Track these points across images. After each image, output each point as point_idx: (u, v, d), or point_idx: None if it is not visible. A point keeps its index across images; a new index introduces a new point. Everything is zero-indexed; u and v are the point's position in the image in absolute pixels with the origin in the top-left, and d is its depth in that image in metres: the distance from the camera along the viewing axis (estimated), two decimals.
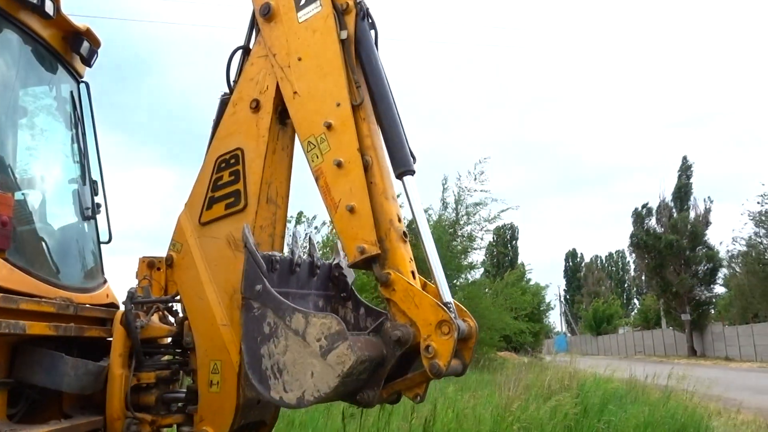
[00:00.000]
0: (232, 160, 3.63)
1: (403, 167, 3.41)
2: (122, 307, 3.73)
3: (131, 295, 3.69)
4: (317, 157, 3.42)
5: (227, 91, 3.86)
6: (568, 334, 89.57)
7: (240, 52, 3.85)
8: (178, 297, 3.76)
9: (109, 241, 4.63)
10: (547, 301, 51.02)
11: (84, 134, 4.56)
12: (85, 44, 4.32)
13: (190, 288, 3.62)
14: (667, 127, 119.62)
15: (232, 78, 3.84)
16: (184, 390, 3.79)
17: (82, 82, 4.58)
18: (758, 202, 47.84)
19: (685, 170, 55.45)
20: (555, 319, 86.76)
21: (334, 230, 22.11)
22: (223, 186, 3.63)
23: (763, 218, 47.29)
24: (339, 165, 3.35)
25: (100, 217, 4.61)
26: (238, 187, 3.59)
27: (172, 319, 3.91)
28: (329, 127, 3.40)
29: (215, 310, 3.52)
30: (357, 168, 3.35)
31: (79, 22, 4.32)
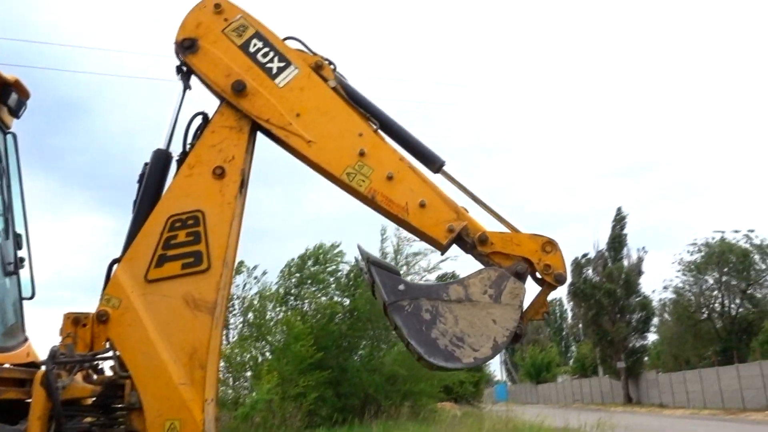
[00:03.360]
0: (190, 221, 3.76)
1: (439, 162, 4.01)
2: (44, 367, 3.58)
3: (53, 354, 3.56)
4: (363, 181, 3.85)
5: (162, 147, 4.03)
6: (509, 383, 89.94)
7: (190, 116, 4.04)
8: (107, 354, 3.66)
9: (32, 296, 4.48)
10: None
11: (9, 186, 4.45)
12: (14, 95, 4.25)
13: (135, 346, 3.59)
14: (600, 177, 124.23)
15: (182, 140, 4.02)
16: None
17: (9, 133, 4.48)
18: (689, 252, 49.87)
19: (620, 221, 57.27)
20: (495, 367, 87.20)
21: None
22: (179, 245, 3.73)
23: (693, 267, 49.18)
24: (390, 177, 3.83)
25: (24, 272, 4.46)
26: (199, 248, 3.72)
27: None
28: (362, 153, 3.86)
29: (171, 370, 3.53)
30: (408, 172, 3.88)
31: (9, 72, 4.25)
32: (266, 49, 4.01)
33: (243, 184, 3.95)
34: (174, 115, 4.10)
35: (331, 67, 4.11)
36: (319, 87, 4.01)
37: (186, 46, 3.97)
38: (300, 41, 4.14)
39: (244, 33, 4.01)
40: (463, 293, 3.57)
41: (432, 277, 26.16)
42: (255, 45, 4.00)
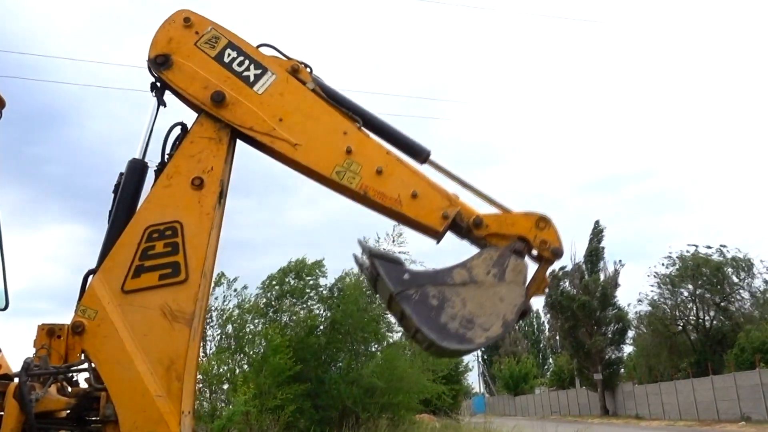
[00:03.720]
0: (168, 232, 3.73)
1: (424, 152, 4.11)
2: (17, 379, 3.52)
3: (27, 366, 3.51)
4: (354, 178, 3.87)
5: (137, 158, 3.99)
6: (487, 395, 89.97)
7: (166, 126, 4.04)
8: (82, 366, 3.62)
9: (6, 308, 4.43)
10: (465, 362, 51.29)
11: None
12: None
13: (111, 357, 3.55)
14: (578, 190, 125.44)
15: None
16: None
17: None
18: (663, 264, 50.45)
19: (597, 234, 57.74)
20: (473, 379, 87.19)
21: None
22: (157, 256, 3.70)
23: (668, 280, 49.74)
24: (380, 171, 3.86)
25: None
26: (176, 259, 3.69)
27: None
28: (349, 151, 3.89)
29: (147, 382, 3.49)
30: (396, 165, 3.92)
31: None
32: (241, 58, 4.02)
33: (222, 195, 3.94)
34: (147, 131, 4.09)
35: (308, 69, 4.15)
36: (298, 90, 4.04)
37: (160, 63, 3.97)
38: (273, 47, 4.17)
39: (216, 44, 4.02)
40: (468, 276, 3.60)
41: None
42: (229, 55, 4.02)
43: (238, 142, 4.07)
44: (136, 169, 3.99)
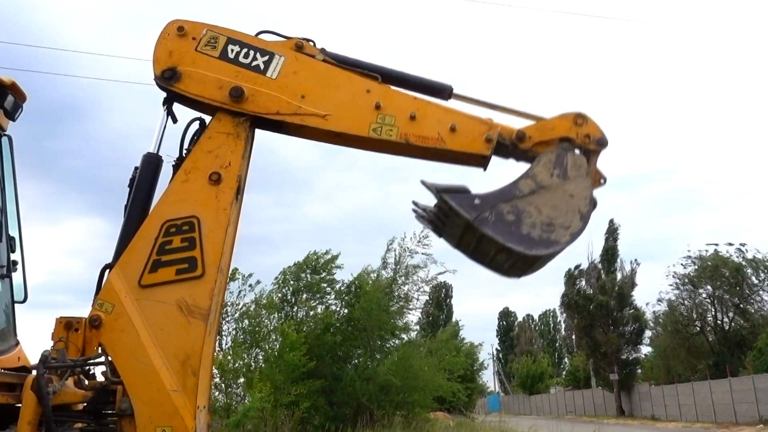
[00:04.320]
0: (185, 227, 3.75)
1: (448, 89, 4.18)
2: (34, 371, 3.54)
3: (44, 359, 3.53)
4: (392, 130, 3.91)
5: (152, 152, 4.02)
6: (502, 394, 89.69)
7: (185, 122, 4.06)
8: (99, 359, 3.64)
9: (25, 300, 4.45)
10: (480, 360, 51.14)
11: (3, 189, 4.42)
12: (10, 98, 4.23)
13: (128, 351, 3.56)
14: (596, 189, 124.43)
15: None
16: None
17: (4, 135, 4.46)
18: (682, 264, 49.92)
19: (612, 233, 57.27)
20: (488, 378, 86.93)
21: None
22: (174, 251, 3.71)
23: (686, 280, 49.20)
24: (413, 117, 3.91)
25: (16, 275, 4.43)
26: (193, 254, 3.70)
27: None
28: (378, 106, 3.94)
29: (163, 376, 3.50)
30: (428, 107, 3.99)
31: (5, 75, 4.24)
32: (245, 50, 4.05)
33: (239, 191, 3.94)
34: (158, 137, 4.10)
35: (311, 43, 4.18)
36: (310, 64, 4.08)
37: (168, 77, 3.99)
38: (272, 32, 4.20)
39: (217, 43, 4.04)
40: (534, 183, 3.65)
41: (427, 288, 26.19)
42: (233, 50, 4.04)
43: (262, 133, 4.08)
44: (151, 162, 4.00)
